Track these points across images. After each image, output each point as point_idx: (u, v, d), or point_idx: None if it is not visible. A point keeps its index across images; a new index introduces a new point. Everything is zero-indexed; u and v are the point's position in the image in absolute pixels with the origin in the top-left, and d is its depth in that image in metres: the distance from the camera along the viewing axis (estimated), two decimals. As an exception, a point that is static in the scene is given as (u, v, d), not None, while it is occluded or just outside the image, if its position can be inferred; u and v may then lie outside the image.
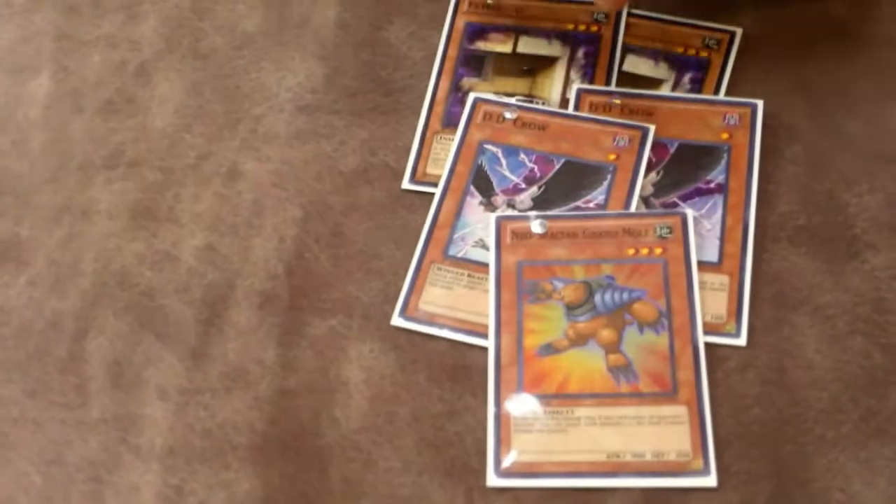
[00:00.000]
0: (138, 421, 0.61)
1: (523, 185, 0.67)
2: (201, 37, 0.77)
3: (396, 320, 0.63)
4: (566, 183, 0.67)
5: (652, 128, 0.68)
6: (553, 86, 0.71)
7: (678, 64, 0.72)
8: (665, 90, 0.71)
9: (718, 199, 0.65)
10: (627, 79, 0.72)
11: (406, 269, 0.65)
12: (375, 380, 0.61)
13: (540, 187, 0.67)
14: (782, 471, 0.57)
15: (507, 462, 0.57)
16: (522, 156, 0.68)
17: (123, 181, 0.70)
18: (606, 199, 0.66)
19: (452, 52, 0.73)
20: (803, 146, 0.68)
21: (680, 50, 0.72)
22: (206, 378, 0.62)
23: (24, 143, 0.72)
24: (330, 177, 0.69)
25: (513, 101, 0.70)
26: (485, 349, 0.61)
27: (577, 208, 0.65)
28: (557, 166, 0.68)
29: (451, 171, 0.68)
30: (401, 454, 0.59)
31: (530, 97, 0.71)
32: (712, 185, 0.66)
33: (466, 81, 0.72)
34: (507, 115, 0.70)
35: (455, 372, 0.61)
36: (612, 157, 0.67)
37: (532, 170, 0.67)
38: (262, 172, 0.70)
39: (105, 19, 0.78)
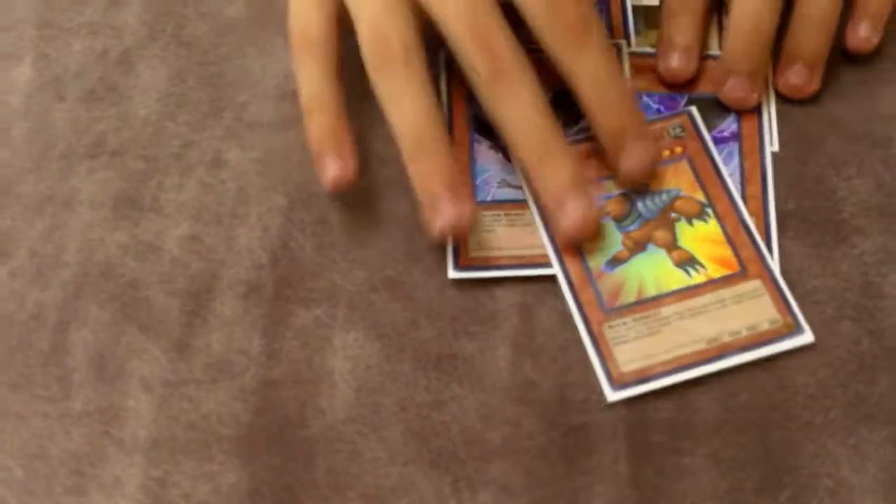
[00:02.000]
0: (122, 413, 0.61)
1: None
2: (185, 23, 0.76)
3: (453, 273, 0.63)
4: (564, 108, 0.67)
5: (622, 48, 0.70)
6: None
7: None
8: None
9: (734, 146, 0.66)
10: None
11: (392, 259, 0.64)
12: (361, 370, 0.61)
13: None
14: (770, 457, 0.56)
15: (617, 374, 0.59)
16: None
17: (106, 170, 0.69)
18: None
19: None
20: (791, 130, 0.67)
21: None
22: (190, 369, 0.62)
23: (5, 132, 0.72)
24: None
25: None
26: (473, 339, 0.61)
27: (584, 129, 0.67)
28: (549, 97, 0.67)
29: (450, 123, 0.68)
30: (386, 445, 0.58)
31: None
32: (726, 134, 0.67)
33: None
34: None
35: (441, 361, 0.61)
36: None
37: None
38: (247, 161, 0.69)
39: (87, 6, 0.77)
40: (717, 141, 0.66)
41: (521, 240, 0.64)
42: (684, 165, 0.65)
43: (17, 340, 0.63)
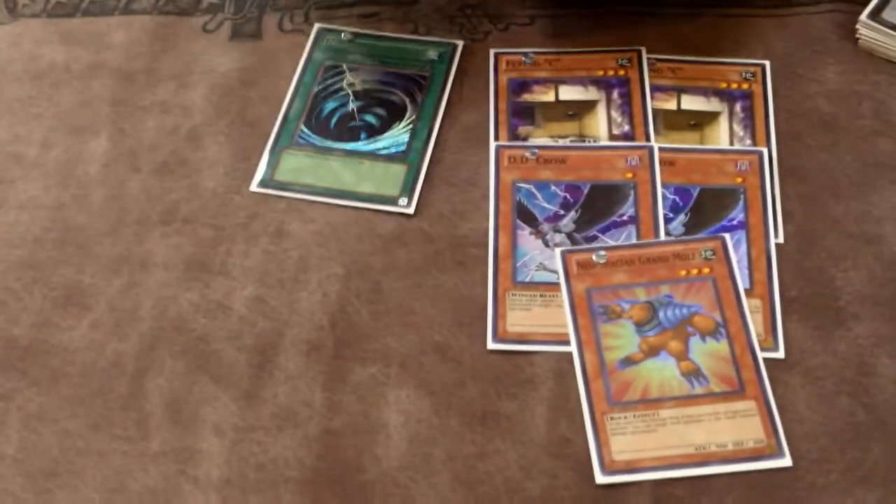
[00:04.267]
0: (196, 454, 0.67)
1: (562, 212, 0.76)
2: (248, 105, 0.84)
3: (492, 345, 0.71)
4: (598, 203, 0.76)
5: (656, 146, 0.78)
6: (599, 125, 0.81)
7: (727, 97, 0.82)
8: (722, 121, 0.81)
9: (742, 234, 0.75)
10: (688, 115, 0.81)
11: (440, 325, 0.72)
12: (413, 423, 0.68)
13: (577, 211, 0.76)
14: (778, 513, 0.64)
15: (609, 461, 0.65)
16: (553, 188, 0.77)
17: (178, 236, 0.77)
18: (636, 211, 0.76)
19: (503, 105, 0.82)
20: (794, 226, 0.76)
21: (724, 85, 0.83)
22: (258, 417, 0.68)
23: (85, 197, 0.79)
24: (369, 238, 0.76)
25: (539, 141, 0.80)
26: (513, 399, 0.68)
27: (614, 223, 0.75)
28: (586, 191, 0.77)
29: (496, 210, 0.77)
30: (437, 490, 0.65)
31: (582, 137, 0.80)
32: (735, 223, 0.75)
33: (522, 129, 0.81)
34: (528, 154, 0.79)
35: (485, 418, 0.68)
36: (630, 175, 0.77)
37: (565, 198, 0.77)
38: (307, 233, 0.77)
39: (159, 87, 0.85)
40: (726, 229, 0.75)
41: (554, 318, 0.72)
42: (708, 285, 0.72)
43: (98, 385, 0.70)
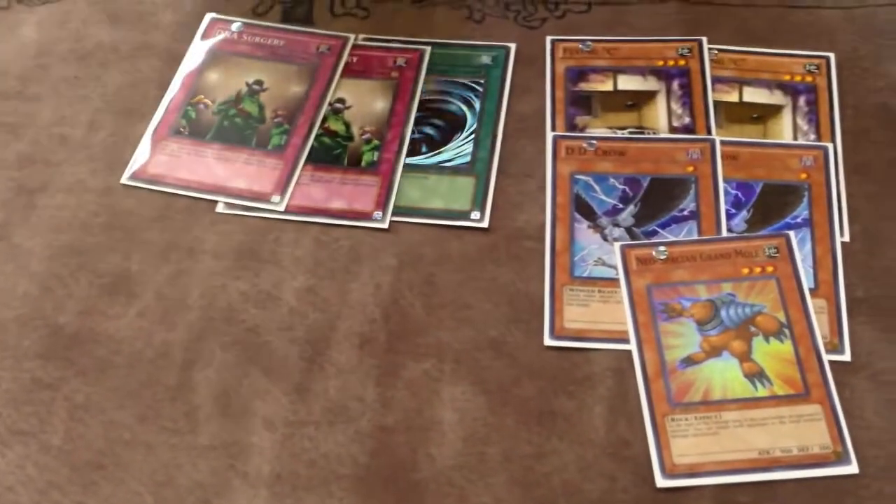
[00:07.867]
0: (246, 449, 0.66)
1: (621, 206, 0.74)
2: (298, 91, 0.82)
3: (549, 341, 0.69)
4: (658, 197, 0.74)
5: (718, 140, 0.76)
6: (658, 117, 0.79)
7: (790, 90, 0.80)
8: (786, 115, 0.78)
9: (806, 231, 0.72)
10: (751, 108, 0.79)
11: (495, 320, 0.70)
12: (467, 421, 0.66)
13: (636, 204, 0.74)
14: (845, 522, 0.62)
15: (670, 465, 0.63)
16: (612, 180, 0.75)
17: (227, 223, 0.75)
18: (697, 206, 0.73)
19: (560, 94, 0.80)
20: (861, 225, 0.73)
21: (787, 77, 0.80)
22: (309, 412, 0.67)
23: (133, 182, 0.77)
24: (422, 229, 0.74)
25: (597, 132, 0.78)
26: (571, 398, 0.67)
27: (675, 218, 0.73)
28: (645, 184, 0.75)
29: (553, 202, 0.75)
30: (492, 491, 0.64)
31: (640, 128, 0.78)
32: (799, 220, 0.73)
33: (580, 120, 0.79)
34: (586, 145, 0.77)
35: (542, 417, 0.66)
36: (690, 168, 0.75)
37: (624, 191, 0.75)
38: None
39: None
40: (790, 226, 0.73)
41: (613, 315, 0.70)
42: (772, 284, 0.70)
43: (146, 376, 0.69)
